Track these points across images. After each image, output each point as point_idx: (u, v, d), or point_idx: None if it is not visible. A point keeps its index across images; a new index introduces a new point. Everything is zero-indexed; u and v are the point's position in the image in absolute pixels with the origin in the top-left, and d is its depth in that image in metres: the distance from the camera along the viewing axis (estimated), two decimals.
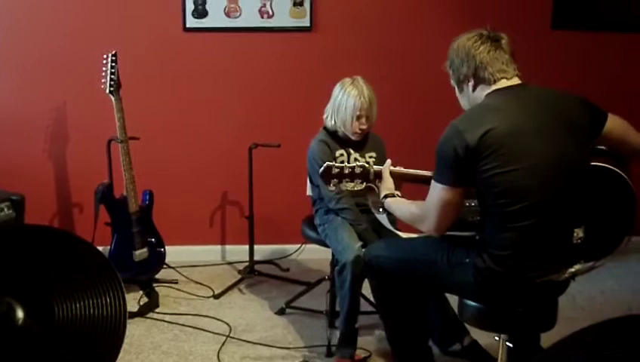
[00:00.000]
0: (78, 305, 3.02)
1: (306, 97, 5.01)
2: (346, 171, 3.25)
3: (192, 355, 3.88)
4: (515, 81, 2.91)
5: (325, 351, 3.88)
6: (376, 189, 3.29)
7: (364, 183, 3.29)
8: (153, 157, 4.95)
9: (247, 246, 4.91)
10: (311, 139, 4.03)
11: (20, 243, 2.99)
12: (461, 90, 3.01)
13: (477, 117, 2.82)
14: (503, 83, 2.89)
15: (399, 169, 3.29)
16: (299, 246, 5.12)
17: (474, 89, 2.94)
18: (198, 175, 5.12)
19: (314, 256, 4.94)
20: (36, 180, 4.96)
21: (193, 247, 5.19)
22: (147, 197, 4.60)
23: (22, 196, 4.49)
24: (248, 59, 5.01)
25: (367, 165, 3.29)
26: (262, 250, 5.08)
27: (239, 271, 4.99)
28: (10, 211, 4.42)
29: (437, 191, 2.85)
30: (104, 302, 3.08)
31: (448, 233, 2.99)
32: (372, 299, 3.64)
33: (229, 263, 5.21)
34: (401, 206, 3.12)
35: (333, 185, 3.27)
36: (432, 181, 2.88)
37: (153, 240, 4.61)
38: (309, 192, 4.16)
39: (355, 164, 3.26)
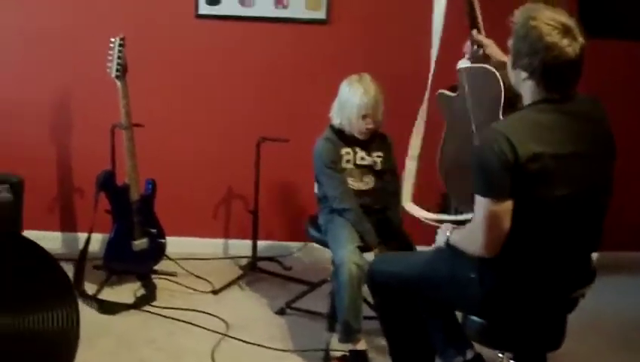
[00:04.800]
0: (22, 319, 2.83)
1: (317, 92, 4.81)
2: None
3: (185, 352, 3.77)
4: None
5: (323, 356, 3.76)
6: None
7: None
8: (157, 146, 4.81)
9: (250, 242, 4.79)
10: (320, 136, 3.90)
11: None
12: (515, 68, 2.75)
13: (526, 131, 2.59)
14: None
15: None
16: (302, 244, 4.99)
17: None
18: (204, 166, 4.99)
19: (318, 255, 4.81)
20: (37, 164, 4.84)
21: (195, 239, 5.06)
22: (150, 186, 4.48)
23: (21, 178, 4.40)
24: (260, 50, 4.87)
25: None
26: (265, 246, 4.94)
27: (240, 267, 4.87)
28: (9, 194, 4.32)
29: (482, 206, 2.62)
30: (53, 316, 2.89)
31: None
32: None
33: (231, 258, 5.08)
34: (457, 239, 2.91)
35: None
36: (475, 195, 2.66)
37: (154, 230, 4.49)
38: (316, 190, 4.04)
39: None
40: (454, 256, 2.88)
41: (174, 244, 4.71)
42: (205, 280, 4.65)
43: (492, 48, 3.37)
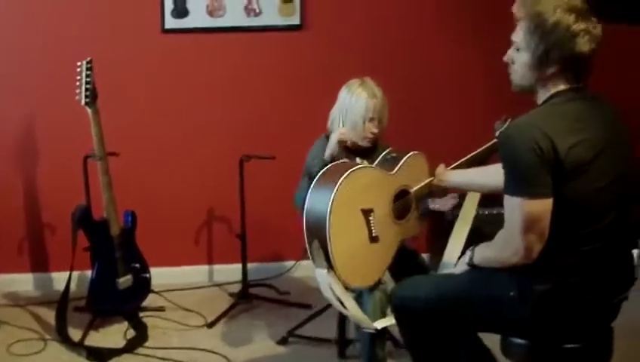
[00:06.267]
0: None
1: (300, 102, 4.60)
2: None
3: None
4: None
5: None
6: None
7: None
8: (133, 174, 4.48)
9: (235, 266, 4.51)
10: (308, 149, 3.62)
11: None
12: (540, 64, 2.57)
13: (560, 123, 2.45)
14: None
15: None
16: (294, 263, 4.72)
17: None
18: (182, 190, 4.68)
19: (312, 274, 4.50)
20: (3, 200, 4.52)
21: (177, 268, 4.76)
22: (129, 218, 4.16)
23: None
24: (235, 62, 4.58)
25: None
26: (253, 269, 4.62)
27: (230, 294, 4.58)
28: None
29: (517, 207, 2.44)
30: None
31: None
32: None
33: (218, 285, 4.77)
34: (488, 253, 2.72)
35: None
36: (507, 197, 2.48)
37: (137, 265, 4.17)
38: None
39: None
40: (488, 276, 2.68)
41: (156, 275, 4.35)
42: (197, 312, 4.34)
43: None
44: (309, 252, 3.14)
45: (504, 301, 2.61)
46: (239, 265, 4.48)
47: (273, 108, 4.65)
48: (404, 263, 3.42)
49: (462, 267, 2.84)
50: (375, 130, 3.52)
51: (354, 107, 3.50)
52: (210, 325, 4.19)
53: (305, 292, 4.54)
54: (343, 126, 3.52)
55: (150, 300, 4.34)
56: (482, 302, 2.69)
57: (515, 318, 2.61)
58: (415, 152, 3.43)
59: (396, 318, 2.97)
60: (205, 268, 4.82)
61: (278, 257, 4.85)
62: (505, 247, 2.56)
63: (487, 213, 4.08)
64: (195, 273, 4.79)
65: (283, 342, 3.98)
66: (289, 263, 4.80)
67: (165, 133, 4.60)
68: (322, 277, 3.08)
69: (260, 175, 4.40)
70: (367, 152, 3.61)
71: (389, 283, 3.28)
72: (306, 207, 3.15)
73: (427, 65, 4.72)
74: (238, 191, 4.32)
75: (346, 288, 3.13)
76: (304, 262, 4.65)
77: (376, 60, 4.59)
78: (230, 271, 4.68)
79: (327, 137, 3.55)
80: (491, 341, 2.91)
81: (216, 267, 4.82)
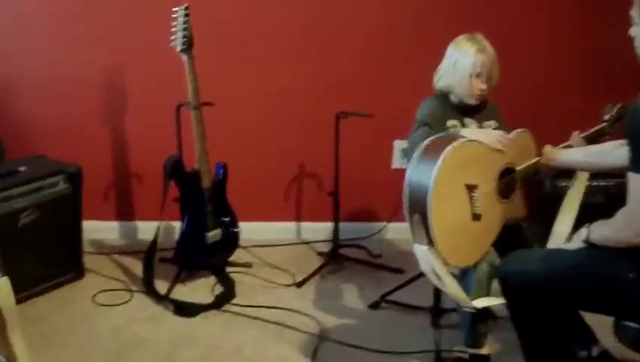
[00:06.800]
0: None
1: (406, 60, 4.37)
2: None
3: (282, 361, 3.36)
4: None
5: (434, 358, 3.35)
6: None
7: None
8: (225, 126, 4.33)
9: (324, 224, 4.43)
10: (408, 107, 3.41)
11: None
12: None
13: None
14: None
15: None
16: (384, 224, 4.56)
17: None
18: (275, 144, 4.53)
19: (403, 235, 4.33)
20: (92, 149, 4.44)
21: (265, 224, 4.63)
22: (221, 170, 4.03)
23: (78, 168, 3.96)
24: (339, 12, 4.35)
25: None
26: (343, 229, 4.39)
27: (318, 253, 4.44)
28: (66, 185, 3.89)
29: None
30: None
31: None
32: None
33: (306, 243, 4.64)
34: (606, 232, 2.57)
35: None
36: (633, 175, 2.33)
37: (227, 219, 4.05)
38: (395, 165, 3.56)
39: None
40: (606, 255, 2.53)
41: (243, 230, 4.21)
42: (284, 270, 4.22)
43: None
44: (409, 225, 2.97)
45: (622, 282, 2.48)
46: (328, 224, 4.36)
47: (377, 64, 4.43)
48: (509, 238, 3.22)
49: (577, 244, 2.69)
50: (483, 87, 3.29)
51: (461, 61, 3.28)
52: (299, 284, 4.06)
53: (397, 256, 4.37)
54: (448, 82, 3.32)
55: (237, 255, 4.22)
56: (597, 282, 2.55)
57: (633, 301, 2.48)
58: (522, 129, 3.24)
59: (503, 292, 2.82)
60: (293, 225, 4.69)
61: (369, 217, 4.69)
62: (625, 227, 2.42)
63: (594, 184, 3.90)
64: (283, 230, 4.66)
65: (375, 306, 3.84)
66: (380, 224, 4.64)
67: (261, 86, 4.43)
68: (422, 253, 2.92)
69: (355, 132, 4.22)
70: (475, 111, 3.40)
71: (495, 258, 3.10)
72: (407, 178, 2.98)
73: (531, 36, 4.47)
74: (331, 148, 4.15)
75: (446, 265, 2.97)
76: (395, 224, 4.50)
77: (479, 16, 4.34)
78: (319, 230, 4.58)
79: (437, 97, 3.36)
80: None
81: (304, 224, 4.68)
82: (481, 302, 3.00)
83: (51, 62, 4.33)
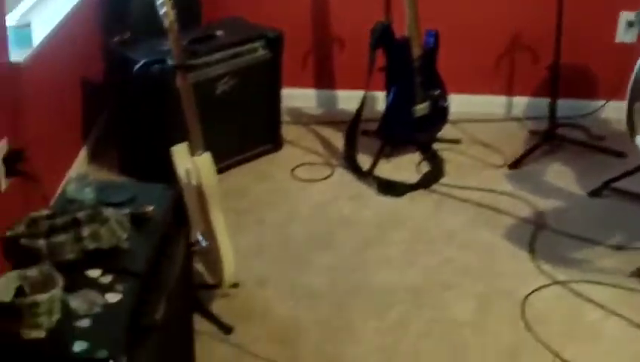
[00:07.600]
0: None
1: None
2: None
3: (496, 250, 3.09)
4: None
5: None
6: None
7: None
8: None
9: (537, 100, 4.11)
10: None
11: None
12: None
13: None
14: None
15: None
16: (604, 102, 4.13)
17: None
18: (488, 12, 4.11)
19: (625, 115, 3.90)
20: (290, 9, 4.17)
21: (473, 97, 4.28)
22: (432, 39, 3.71)
23: (279, 32, 3.73)
24: None
25: None
26: (559, 106, 3.95)
27: (530, 132, 4.08)
28: (266, 51, 3.69)
29: None
30: None
31: None
32: None
33: (517, 119, 4.27)
34: None
35: None
36: None
37: (437, 91, 3.76)
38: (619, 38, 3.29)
39: None
40: None
41: (451, 103, 3.91)
42: (495, 149, 3.90)
43: None
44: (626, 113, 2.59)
45: None
46: (541, 100, 4.01)
47: None
48: None
49: None
50: None
51: None
52: (512, 165, 3.75)
53: (619, 138, 3.89)
54: None
55: (444, 131, 3.94)
56: None
57: None
58: None
59: None
60: (503, 99, 4.32)
61: (587, 94, 4.25)
62: None
63: None
64: (492, 103, 4.30)
65: (596, 193, 3.50)
66: (598, 102, 4.20)
67: None
68: None
69: (576, 0, 3.77)
70: None
71: None
72: None
73: None
74: (549, 16, 3.72)
75: None
76: (615, 103, 4.04)
77: None
78: (531, 106, 4.24)
79: None
80: None
81: (516, 99, 4.31)
82: None
83: None
